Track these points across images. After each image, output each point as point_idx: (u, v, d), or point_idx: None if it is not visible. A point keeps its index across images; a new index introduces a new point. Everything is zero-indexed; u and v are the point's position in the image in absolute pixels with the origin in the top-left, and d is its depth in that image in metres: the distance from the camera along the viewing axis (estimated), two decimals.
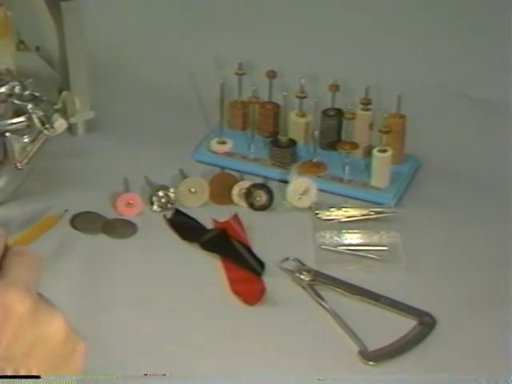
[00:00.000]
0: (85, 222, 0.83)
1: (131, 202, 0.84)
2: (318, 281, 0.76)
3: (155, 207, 0.85)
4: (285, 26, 1.08)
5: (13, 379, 0.38)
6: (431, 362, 0.69)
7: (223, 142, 0.92)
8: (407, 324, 0.72)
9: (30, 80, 0.81)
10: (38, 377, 0.38)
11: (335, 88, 0.90)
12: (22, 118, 0.80)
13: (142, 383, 0.66)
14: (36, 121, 0.79)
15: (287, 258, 0.79)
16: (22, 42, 0.97)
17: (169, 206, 0.85)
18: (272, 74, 0.91)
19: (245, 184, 0.86)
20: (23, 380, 0.39)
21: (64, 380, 0.40)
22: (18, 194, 0.85)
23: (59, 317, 0.40)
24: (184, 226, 0.83)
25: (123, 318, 0.73)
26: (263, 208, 0.85)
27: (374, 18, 1.08)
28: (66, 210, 0.83)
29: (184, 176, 0.88)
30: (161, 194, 0.85)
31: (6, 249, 0.41)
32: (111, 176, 0.88)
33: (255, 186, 0.86)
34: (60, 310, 0.40)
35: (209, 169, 0.90)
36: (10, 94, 0.80)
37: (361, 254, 0.80)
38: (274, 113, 0.92)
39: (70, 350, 0.40)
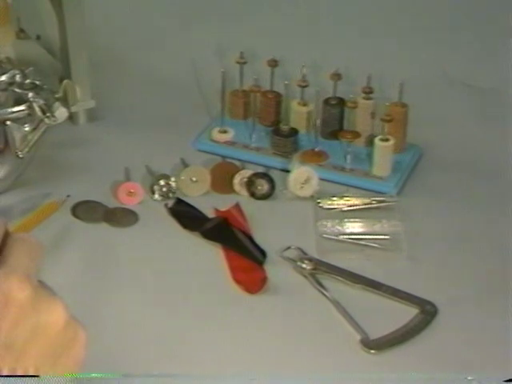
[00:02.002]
0: (86, 210, 0.83)
1: (132, 190, 0.84)
2: (320, 270, 0.76)
3: (156, 196, 0.84)
4: (286, 15, 1.08)
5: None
6: (433, 351, 0.69)
7: (224, 131, 0.92)
8: (409, 312, 0.72)
9: (31, 68, 0.81)
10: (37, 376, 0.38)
11: (337, 77, 0.89)
12: (22, 107, 0.80)
13: (142, 382, 0.66)
14: (37, 109, 0.79)
15: (289, 247, 0.78)
16: (22, 30, 0.96)
17: (170, 194, 0.85)
18: (273, 63, 0.91)
19: (246, 173, 0.86)
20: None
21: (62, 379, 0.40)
22: (19, 183, 0.85)
23: (59, 304, 0.40)
24: (185, 214, 0.83)
25: (124, 306, 0.73)
26: (265, 197, 0.85)
27: (375, 7, 1.07)
28: (69, 196, 0.83)
29: (185, 165, 0.87)
30: (162, 182, 0.85)
31: (7, 235, 0.41)
32: (112, 165, 0.88)
33: (257, 175, 0.86)
34: (60, 298, 0.40)
35: (210, 158, 0.89)
36: (11, 83, 0.80)
37: (362, 242, 0.79)
38: (276, 102, 0.92)
39: (70, 337, 0.40)
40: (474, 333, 0.71)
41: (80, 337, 0.41)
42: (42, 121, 0.80)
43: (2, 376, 0.37)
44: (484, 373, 0.67)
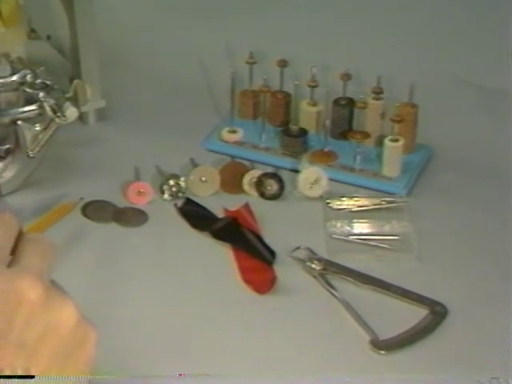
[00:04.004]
0: (96, 210, 0.83)
1: (142, 190, 0.84)
2: (329, 270, 0.76)
3: (166, 196, 0.85)
4: (296, 15, 1.08)
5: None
6: (443, 352, 0.69)
7: (234, 131, 0.92)
8: (418, 313, 0.72)
9: (42, 68, 0.81)
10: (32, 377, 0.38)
11: (347, 77, 0.89)
12: (33, 106, 0.80)
13: (148, 382, 0.66)
14: (47, 109, 0.79)
15: (298, 247, 0.78)
16: (33, 30, 0.97)
17: (179, 194, 0.85)
18: (283, 63, 0.91)
19: (256, 173, 0.86)
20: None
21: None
22: (30, 183, 0.85)
23: (71, 304, 0.40)
24: (195, 214, 0.83)
25: (133, 306, 0.73)
26: (274, 197, 0.85)
27: (385, 7, 1.07)
28: (82, 198, 0.83)
29: (195, 165, 0.88)
30: (172, 182, 0.85)
31: (21, 235, 0.41)
32: (122, 165, 0.88)
33: (266, 175, 0.86)
34: (72, 298, 0.40)
35: (219, 158, 0.89)
36: (22, 83, 0.80)
37: (372, 243, 0.79)
38: (285, 102, 0.92)
39: (81, 337, 0.40)
40: (484, 334, 0.71)
41: (91, 337, 0.41)
42: (52, 120, 0.80)
43: (3, 376, 0.37)
44: (494, 374, 0.67)
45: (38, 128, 0.81)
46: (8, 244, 0.41)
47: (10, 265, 0.40)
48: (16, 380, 0.37)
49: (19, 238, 0.41)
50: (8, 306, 0.38)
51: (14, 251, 0.41)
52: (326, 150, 0.88)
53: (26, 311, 0.38)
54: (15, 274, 0.39)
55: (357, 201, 0.84)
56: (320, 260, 0.77)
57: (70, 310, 0.40)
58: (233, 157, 0.90)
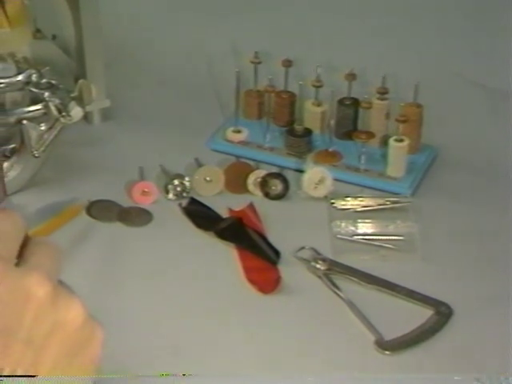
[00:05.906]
0: (101, 210, 0.83)
1: (147, 190, 0.84)
2: (334, 270, 0.76)
3: (170, 196, 0.85)
4: (301, 15, 1.08)
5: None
6: (448, 352, 0.69)
7: (239, 131, 0.92)
8: (423, 314, 0.72)
9: (47, 68, 0.82)
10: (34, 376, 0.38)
11: (351, 77, 0.89)
12: (38, 106, 0.80)
13: (152, 382, 0.66)
14: (53, 109, 0.79)
15: (303, 247, 0.78)
16: (38, 30, 0.97)
17: (184, 194, 0.85)
18: (288, 63, 0.91)
19: (260, 173, 0.86)
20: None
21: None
22: (35, 182, 0.85)
23: (78, 303, 0.40)
24: (199, 214, 0.83)
25: (137, 305, 0.73)
26: (279, 197, 0.85)
27: (390, 7, 1.07)
28: (90, 200, 0.83)
29: (199, 165, 0.88)
30: (176, 182, 0.85)
31: (27, 239, 0.42)
32: (127, 164, 0.88)
33: (271, 175, 0.86)
34: (79, 297, 0.40)
35: (224, 158, 0.89)
36: (27, 82, 0.81)
37: (377, 243, 0.79)
38: (290, 102, 0.92)
39: (87, 336, 0.40)
40: (489, 334, 0.70)
41: (97, 336, 0.41)
42: (57, 120, 0.80)
43: (3, 376, 0.37)
44: (499, 374, 0.67)
45: (43, 128, 0.81)
46: (17, 243, 0.41)
47: (17, 265, 0.40)
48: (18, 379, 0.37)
49: (25, 240, 0.41)
50: (16, 304, 0.38)
51: (21, 253, 0.41)
52: (330, 150, 0.88)
53: (34, 308, 0.38)
54: (23, 271, 0.39)
55: (361, 201, 0.84)
56: (324, 260, 0.77)
57: (77, 309, 0.40)
58: (237, 157, 0.90)
